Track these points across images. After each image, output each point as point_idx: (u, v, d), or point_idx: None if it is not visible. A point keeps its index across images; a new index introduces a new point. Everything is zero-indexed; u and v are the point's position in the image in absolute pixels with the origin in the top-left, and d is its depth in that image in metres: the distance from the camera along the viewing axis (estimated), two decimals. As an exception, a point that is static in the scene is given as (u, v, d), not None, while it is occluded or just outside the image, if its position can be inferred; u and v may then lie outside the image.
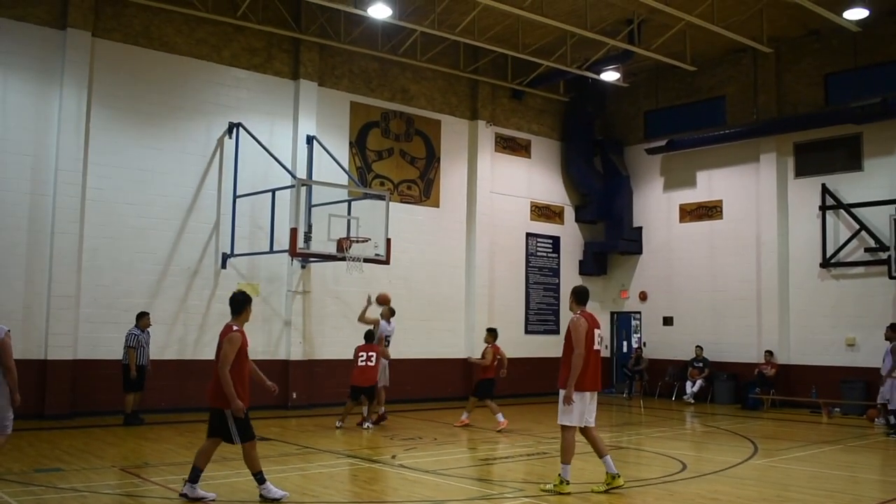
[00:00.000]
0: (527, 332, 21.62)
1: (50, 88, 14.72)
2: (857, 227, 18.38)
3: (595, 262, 23.15)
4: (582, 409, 8.70)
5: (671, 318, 21.97)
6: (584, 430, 8.84)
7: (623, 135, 23.45)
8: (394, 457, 11.12)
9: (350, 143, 18.63)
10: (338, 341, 17.18)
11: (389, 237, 15.41)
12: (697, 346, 20.70)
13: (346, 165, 18.00)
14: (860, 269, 18.38)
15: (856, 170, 18.67)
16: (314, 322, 17.54)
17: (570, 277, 22.32)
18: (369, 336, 14.34)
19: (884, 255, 17.70)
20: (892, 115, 17.48)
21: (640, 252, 22.80)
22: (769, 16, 17.84)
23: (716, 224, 21.14)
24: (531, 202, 22.11)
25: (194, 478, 7.97)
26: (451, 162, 20.42)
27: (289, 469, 10.05)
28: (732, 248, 20.67)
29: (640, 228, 22.84)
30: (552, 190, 22.66)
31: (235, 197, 16.46)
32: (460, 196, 20.52)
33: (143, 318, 14.36)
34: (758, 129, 19.96)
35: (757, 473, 10.36)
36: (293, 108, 17.64)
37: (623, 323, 23.66)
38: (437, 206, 20.06)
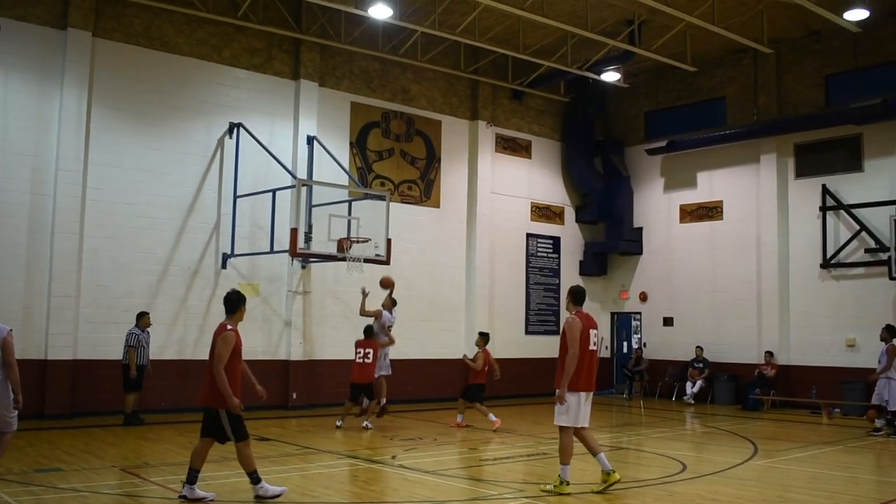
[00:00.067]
0: (527, 332, 21.62)
1: (50, 88, 14.73)
2: (858, 227, 18.38)
3: (595, 263, 23.15)
4: (578, 409, 8.70)
5: (671, 319, 21.97)
6: (576, 431, 8.83)
7: (623, 135, 23.45)
8: (394, 457, 11.12)
9: (350, 143, 18.63)
10: (338, 341, 17.17)
11: (390, 237, 15.41)
12: (697, 347, 20.71)
13: (346, 166, 18.00)
14: (860, 270, 18.38)
15: (856, 170, 18.67)
16: (314, 322, 17.54)
17: (570, 278, 22.31)
18: (368, 331, 14.34)
19: (884, 256, 17.70)
20: (893, 116, 17.47)
21: (640, 252, 22.80)
22: (770, 16, 17.84)
23: (716, 225, 21.14)
24: (531, 203, 22.12)
25: (192, 479, 7.96)
26: (452, 162, 20.42)
27: (289, 469, 10.05)
28: (733, 248, 20.67)
29: (640, 229, 22.84)
30: (552, 190, 22.66)
31: (236, 197, 16.46)
32: (461, 196, 20.52)
33: (143, 318, 14.36)
34: (758, 129, 19.96)
35: (757, 474, 10.35)
36: (294, 108, 17.65)
37: (623, 323, 23.65)
38: (438, 206, 20.06)
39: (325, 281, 17.71)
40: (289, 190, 15.77)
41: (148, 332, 14.36)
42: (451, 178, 20.39)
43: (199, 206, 16.32)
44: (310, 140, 17.53)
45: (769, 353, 19.30)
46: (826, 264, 18.82)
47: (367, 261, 14.95)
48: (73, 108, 14.79)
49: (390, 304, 14.83)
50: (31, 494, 8.17)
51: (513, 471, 10.42)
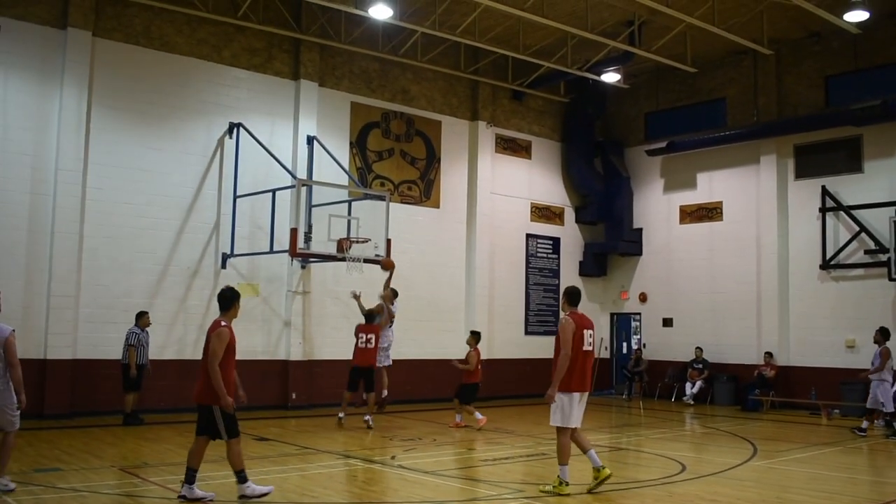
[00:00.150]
0: (527, 332, 21.63)
1: (50, 88, 14.73)
2: (857, 228, 18.38)
3: (595, 264, 23.16)
4: (573, 409, 8.70)
5: (671, 320, 21.97)
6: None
7: (623, 136, 23.46)
8: (393, 457, 11.12)
9: (350, 143, 18.64)
10: (337, 342, 17.15)
11: (389, 238, 15.40)
12: (697, 348, 20.71)
13: (346, 166, 18.00)
14: (860, 271, 18.39)
15: (856, 172, 18.68)
16: (314, 322, 17.54)
17: (570, 278, 22.31)
18: (370, 317, 14.38)
19: (883, 258, 17.72)
20: (893, 118, 17.48)
21: (640, 253, 22.81)
22: (770, 18, 17.85)
23: (716, 225, 21.15)
24: (531, 203, 22.12)
25: (190, 479, 7.96)
26: (452, 163, 20.43)
27: (288, 469, 10.04)
28: (732, 249, 20.68)
29: (640, 230, 22.85)
30: (552, 191, 22.67)
31: (235, 197, 16.46)
32: (460, 197, 20.52)
33: (142, 318, 14.36)
34: (758, 130, 19.97)
35: (756, 475, 10.36)
36: (293, 108, 17.65)
37: (623, 324, 23.66)
38: (438, 206, 20.07)
39: (325, 281, 17.71)
40: (289, 190, 15.77)
41: (147, 332, 14.36)
42: (451, 178, 20.39)
43: (199, 205, 16.32)
44: (310, 140, 17.53)
45: (769, 354, 19.31)
46: (826, 265, 18.83)
47: (366, 261, 14.95)
48: (72, 107, 14.79)
49: (391, 295, 14.84)
50: (30, 494, 8.17)
51: (512, 471, 10.42)
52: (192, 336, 15.89)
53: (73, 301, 14.64)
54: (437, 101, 20.28)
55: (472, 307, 20.20)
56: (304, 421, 15.38)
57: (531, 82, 21.05)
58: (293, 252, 14.80)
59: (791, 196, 19.71)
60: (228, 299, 8.28)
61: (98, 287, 15.02)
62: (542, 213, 22.37)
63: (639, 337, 22.98)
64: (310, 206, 16.09)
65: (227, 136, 16.70)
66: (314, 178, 16.98)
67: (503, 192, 21.34)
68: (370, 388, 14.19)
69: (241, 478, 8.01)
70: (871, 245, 18.14)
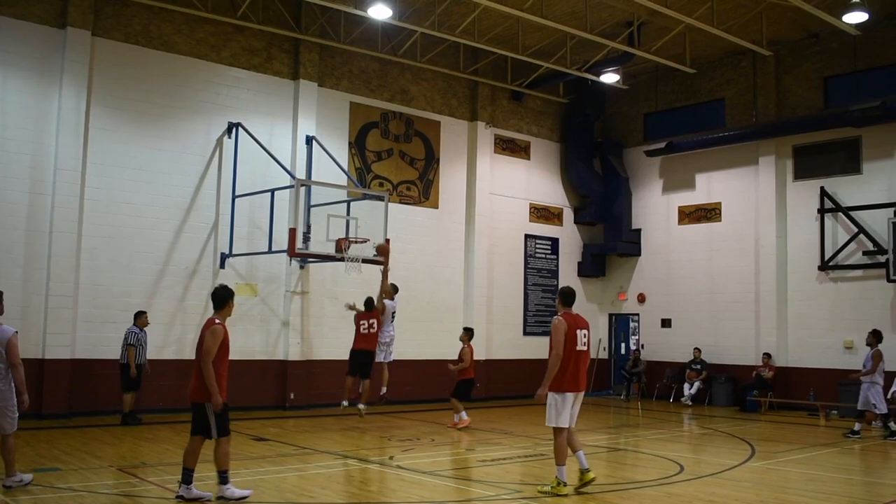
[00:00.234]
0: (525, 333, 21.63)
1: (49, 87, 14.72)
2: (856, 230, 18.40)
3: (594, 264, 23.16)
4: (567, 409, 8.71)
5: (669, 321, 21.98)
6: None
7: (622, 137, 23.46)
8: (391, 458, 11.12)
9: (349, 143, 18.63)
10: (336, 342, 17.15)
11: (388, 238, 15.39)
12: (696, 349, 20.71)
13: (345, 166, 18.00)
14: (858, 272, 18.40)
15: (855, 173, 18.69)
16: (312, 322, 17.54)
17: (568, 279, 22.32)
18: (369, 304, 14.47)
19: (882, 259, 17.73)
20: (892, 119, 17.50)
21: (638, 254, 22.81)
22: (769, 19, 17.86)
23: (715, 226, 21.16)
24: (530, 204, 22.12)
25: (187, 479, 7.96)
26: (451, 163, 20.43)
27: (286, 470, 10.05)
28: (731, 250, 20.69)
29: (638, 230, 22.85)
30: (551, 191, 22.67)
31: (234, 197, 16.45)
32: (459, 197, 20.53)
33: (140, 317, 14.35)
34: (757, 131, 19.98)
35: (754, 476, 10.36)
36: (293, 108, 17.64)
37: (621, 325, 23.66)
38: (437, 207, 20.07)
39: (324, 281, 17.70)
40: (287, 190, 15.75)
41: (145, 332, 14.36)
42: (450, 178, 20.39)
43: (198, 205, 16.31)
44: (309, 140, 17.53)
45: (767, 355, 19.31)
46: (824, 266, 18.84)
47: (365, 261, 14.94)
48: (71, 107, 14.78)
49: (391, 291, 14.85)
50: (28, 494, 8.17)
51: (510, 472, 10.42)
52: (190, 336, 15.86)
53: (71, 301, 14.64)
54: (436, 102, 20.28)
55: (471, 307, 20.21)
56: (302, 421, 15.38)
57: (530, 83, 21.05)
58: (292, 252, 14.80)
59: (790, 197, 19.73)
60: (222, 298, 8.28)
61: (97, 287, 15.01)
62: (541, 213, 22.37)
63: (637, 338, 22.99)
64: (308, 207, 16.09)
65: (226, 136, 16.70)
66: (313, 179, 16.97)
67: (502, 192, 21.34)
68: (367, 375, 14.23)
69: (223, 478, 7.98)
70: (870, 246, 18.15)
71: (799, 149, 19.66)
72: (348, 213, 15.70)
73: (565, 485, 8.60)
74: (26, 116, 14.53)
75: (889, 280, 17.41)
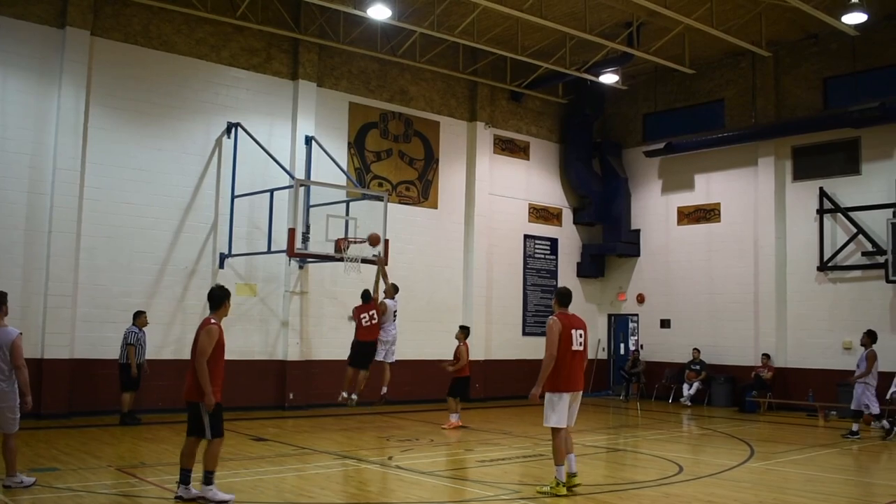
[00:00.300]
0: (524, 333, 21.63)
1: (48, 87, 14.71)
2: (855, 230, 18.41)
3: (593, 265, 23.17)
4: (564, 409, 8.72)
5: (668, 321, 21.99)
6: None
7: (622, 137, 23.47)
8: (390, 458, 11.11)
9: (349, 143, 18.63)
10: (335, 342, 17.16)
11: (387, 238, 15.40)
12: (695, 349, 20.72)
13: (344, 166, 18.00)
14: (857, 273, 18.41)
15: (854, 174, 18.70)
16: (311, 323, 17.54)
17: (567, 279, 22.34)
18: (366, 296, 14.48)
19: (881, 259, 17.74)
20: (891, 120, 17.51)
21: (637, 254, 22.82)
22: (768, 19, 17.87)
23: (714, 227, 21.17)
24: (529, 204, 22.12)
25: (185, 479, 7.95)
26: (450, 163, 20.43)
27: (286, 470, 10.04)
28: (730, 251, 20.70)
29: (637, 231, 22.86)
30: (550, 192, 22.68)
31: (233, 197, 16.45)
32: (459, 197, 20.53)
33: (140, 317, 14.35)
34: (756, 132, 19.99)
35: (753, 476, 10.36)
36: (292, 108, 17.64)
37: (620, 325, 23.67)
38: (436, 207, 20.07)
39: (323, 281, 17.70)
40: (287, 190, 15.75)
41: (144, 332, 14.35)
42: (449, 179, 20.39)
43: (197, 205, 16.31)
44: (308, 140, 17.53)
45: (766, 356, 19.31)
46: (823, 267, 18.85)
47: (364, 261, 14.95)
48: (71, 107, 14.77)
49: (392, 291, 14.86)
50: (27, 493, 8.17)
51: (509, 472, 10.42)
52: (189, 336, 15.61)
53: (70, 301, 14.63)
54: (435, 102, 20.29)
55: (470, 308, 20.21)
56: (301, 421, 15.38)
57: (529, 83, 21.06)
58: (291, 252, 14.79)
59: (789, 198, 19.74)
60: (219, 298, 8.27)
61: (96, 287, 15.01)
62: (540, 214, 22.38)
63: (636, 338, 23.00)
64: (308, 207, 16.09)
65: (226, 136, 16.70)
66: (312, 179, 16.97)
67: (501, 192, 21.35)
68: (365, 366, 14.25)
69: (208, 479, 7.91)
70: (869, 247, 18.16)
71: (798, 149, 19.67)
72: (347, 214, 15.70)
73: (564, 485, 8.60)
74: (26, 116, 14.52)
75: (888, 281, 17.42)
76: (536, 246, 22.19)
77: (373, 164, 19.02)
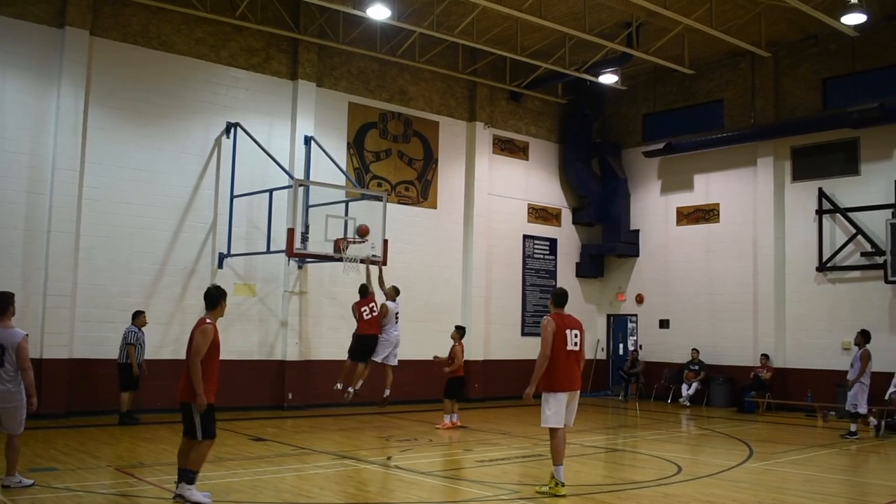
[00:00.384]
0: (523, 333, 21.63)
1: (48, 87, 14.70)
2: (854, 231, 18.41)
3: (592, 265, 23.17)
4: (561, 409, 8.72)
5: (667, 321, 21.99)
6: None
7: (621, 137, 23.47)
8: (389, 458, 11.11)
9: (348, 143, 18.63)
10: (334, 342, 17.15)
11: (387, 238, 15.40)
12: (694, 349, 20.72)
13: (343, 166, 17.99)
14: (856, 274, 18.42)
15: (853, 174, 18.70)
16: (310, 323, 17.53)
17: (566, 280, 22.34)
18: (363, 291, 14.56)
19: (880, 260, 17.74)
20: (890, 120, 17.52)
21: (637, 255, 22.82)
22: (767, 20, 17.87)
23: (713, 227, 21.17)
24: (528, 204, 22.12)
25: (184, 479, 7.94)
26: (449, 163, 20.43)
27: (284, 470, 10.04)
28: (729, 251, 20.70)
29: (637, 231, 22.86)
30: (550, 192, 22.68)
31: (233, 197, 16.44)
32: (458, 197, 20.53)
33: (139, 317, 14.34)
34: (755, 132, 20.00)
35: (752, 476, 10.37)
36: (291, 108, 17.64)
37: (619, 325, 23.68)
38: (435, 207, 20.06)
39: (322, 281, 17.70)
40: (286, 190, 15.75)
41: (143, 332, 14.35)
42: (449, 179, 20.39)
43: (196, 205, 16.31)
44: (307, 140, 17.53)
45: (765, 356, 19.32)
46: (822, 267, 18.86)
47: (363, 261, 14.95)
48: (70, 106, 14.77)
49: (393, 293, 14.87)
50: (25, 493, 8.16)
51: (508, 472, 10.43)
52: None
53: (69, 300, 14.62)
54: (434, 102, 20.29)
55: (469, 308, 20.21)
56: (300, 421, 15.37)
57: (529, 83, 21.06)
58: (290, 252, 14.79)
59: (788, 198, 19.74)
60: (215, 298, 8.26)
61: (95, 287, 15.00)
62: (539, 214, 22.38)
63: (635, 338, 23.00)
64: (307, 207, 16.08)
65: (225, 136, 16.69)
66: (311, 179, 16.96)
67: (500, 193, 21.35)
68: (365, 360, 14.27)
69: (190, 478, 7.85)
70: (868, 247, 18.17)
71: (797, 150, 19.67)
72: (347, 214, 15.68)
73: (563, 485, 8.60)
74: (25, 116, 14.51)
75: (887, 281, 17.43)
76: (535, 246, 22.19)
77: (372, 164, 19.01)
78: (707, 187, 21.41)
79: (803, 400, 18.24)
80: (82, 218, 14.90)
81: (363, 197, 16.13)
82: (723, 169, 21.04)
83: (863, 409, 14.29)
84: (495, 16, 17.39)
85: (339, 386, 14.36)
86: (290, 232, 14.56)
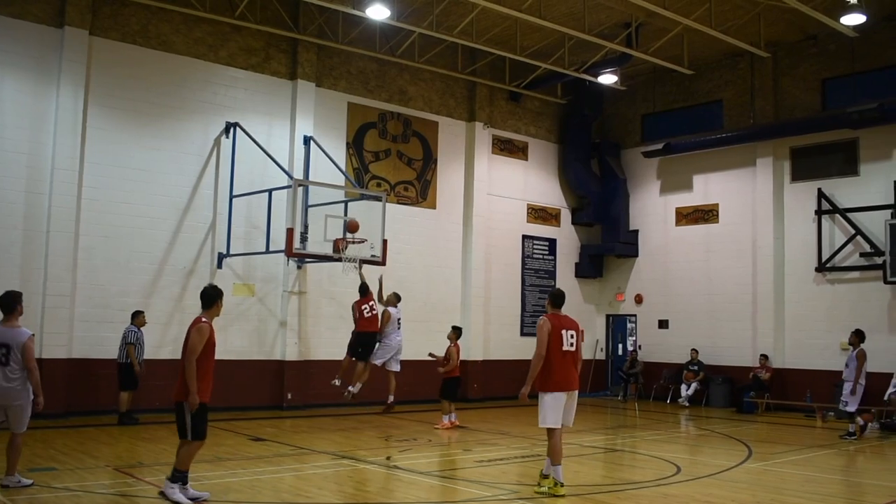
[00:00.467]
0: (522, 334, 21.62)
1: (47, 87, 14.69)
2: (853, 231, 18.42)
3: (591, 265, 23.17)
4: (558, 409, 8.72)
5: (667, 321, 21.99)
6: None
7: (620, 138, 23.48)
8: (389, 458, 11.11)
9: (347, 143, 18.62)
10: (333, 342, 17.14)
11: (386, 238, 15.41)
12: (693, 350, 20.72)
13: (343, 166, 17.99)
14: (855, 274, 18.42)
15: (852, 175, 18.71)
16: (310, 323, 17.53)
17: (566, 280, 22.35)
18: (363, 290, 14.58)
19: (879, 260, 17.75)
20: (889, 121, 17.52)
21: (636, 255, 22.83)
22: (767, 20, 17.88)
23: (712, 227, 21.18)
24: (528, 204, 22.12)
25: (183, 479, 7.94)
26: (449, 163, 20.43)
27: (283, 470, 10.03)
28: (728, 251, 20.71)
29: (636, 231, 22.87)
30: (549, 192, 22.68)
31: (232, 197, 16.43)
32: (457, 198, 20.53)
33: (138, 317, 14.33)
34: (755, 133, 20.00)
35: (751, 477, 10.37)
36: (290, 108, 17.63)
37: (619, 325, 23.68)
38: (434, 207, 20.06)
39: (321, 281, 17.69)
40: (285, 190, 15.76)
41: (142, 331, 14.34)
42: (448, 179, 20.39)
43: (195, 205, 16.30)
44: (306, 140, 17.53)
45: (764, 356, 19.32)
46: (821, 268, 18.86)
47: (363, 261, 14.95)
48: (69, 106, 14.75)
49: (394, 299, 14.89)
50: (24, 493, 8.16)
51: (507, 472, 10.42)
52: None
53: (68, 300, 14.61)
54: (434, 102, 20.29)
55: (468, 308, 20.21)
56: (299, 421, 15.37)
57: (528, 83, 21.06)
58: (289, 252, 14.79)
59: (787, 198, 19.75)
60: (211, 297, 8.28)
61: (94, 286, 14.99)
62: (539, 214, 22.38)
63: (634, 338, 23.00)
64: (306, 207, 16.07)
65: (224, 136, 16.68)
66: (311, 179, 16.96)
67: (500, 193, 21.34)
68: (365, 358, 14.29)
69: (175, 477, 7.85)
70: (867, 248, 18.17)
71: (796, 150, 19.68)
72: (346, 214, 15.67)
73: (562, 485, 8.60)
74: (23, 116, 14.50)
75: (886, 282, 17.43)
76: (535, 246, 22.19)
77: (371, 164, 19.01)
78: (706, 187, 21.41)
79: (802, 400, 18.25)
80: (81, 218, 14.89)
81: (362, 197, 16.14)
82: (722, 169, 21.04)
83: (851, 408, 14.30)
84: (495, 16, 17.39)
85: (336, 382, 14.40)
86: (290, 232, 14.57)
